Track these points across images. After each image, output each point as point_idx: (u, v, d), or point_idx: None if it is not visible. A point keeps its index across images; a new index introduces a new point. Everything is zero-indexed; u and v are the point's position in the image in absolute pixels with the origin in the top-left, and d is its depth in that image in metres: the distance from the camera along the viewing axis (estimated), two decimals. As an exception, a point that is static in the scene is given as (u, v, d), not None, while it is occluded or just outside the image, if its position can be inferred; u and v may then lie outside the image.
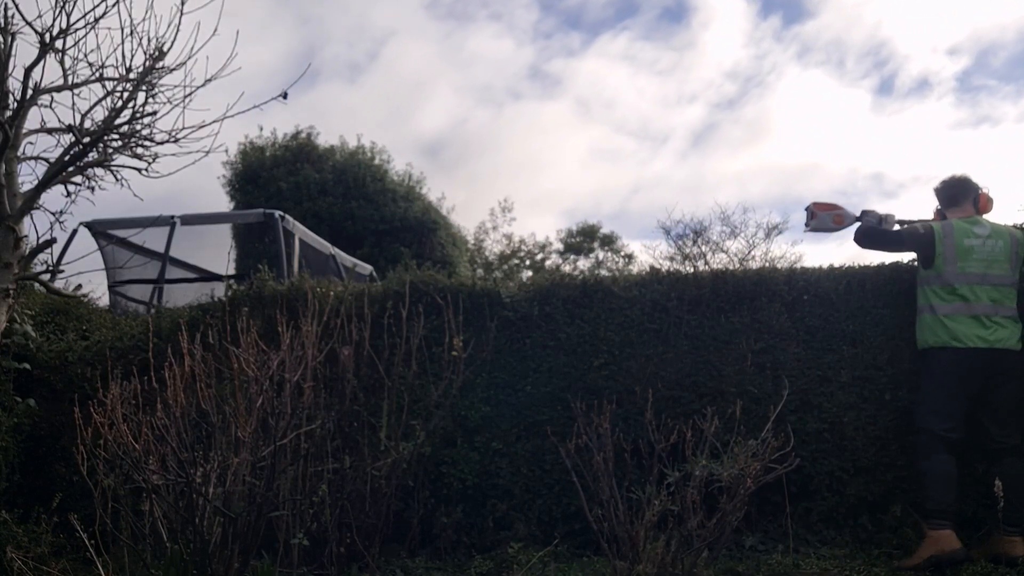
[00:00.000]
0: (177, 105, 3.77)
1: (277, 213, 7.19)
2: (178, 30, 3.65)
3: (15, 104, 3.58)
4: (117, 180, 3.94)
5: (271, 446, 3.10)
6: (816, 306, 4.19)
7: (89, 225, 7.01)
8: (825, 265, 4.36)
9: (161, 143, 3.82)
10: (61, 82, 3.68)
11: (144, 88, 3.73)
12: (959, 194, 4.06)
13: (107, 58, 3.70)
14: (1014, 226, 4.09)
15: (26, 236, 3.67)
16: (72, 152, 3.68)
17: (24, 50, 6.49)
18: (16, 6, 3.53)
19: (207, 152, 3.84)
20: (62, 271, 4.17)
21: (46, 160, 3.80)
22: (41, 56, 3.56)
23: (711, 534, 3.13)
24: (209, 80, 3.77)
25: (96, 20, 3.61)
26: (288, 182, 14.00)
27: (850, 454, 4.03)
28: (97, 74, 3.72)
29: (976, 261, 3.83)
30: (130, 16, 3.62)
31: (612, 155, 38.27)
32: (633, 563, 3.13)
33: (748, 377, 4.10)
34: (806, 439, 3.95)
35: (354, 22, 38.65)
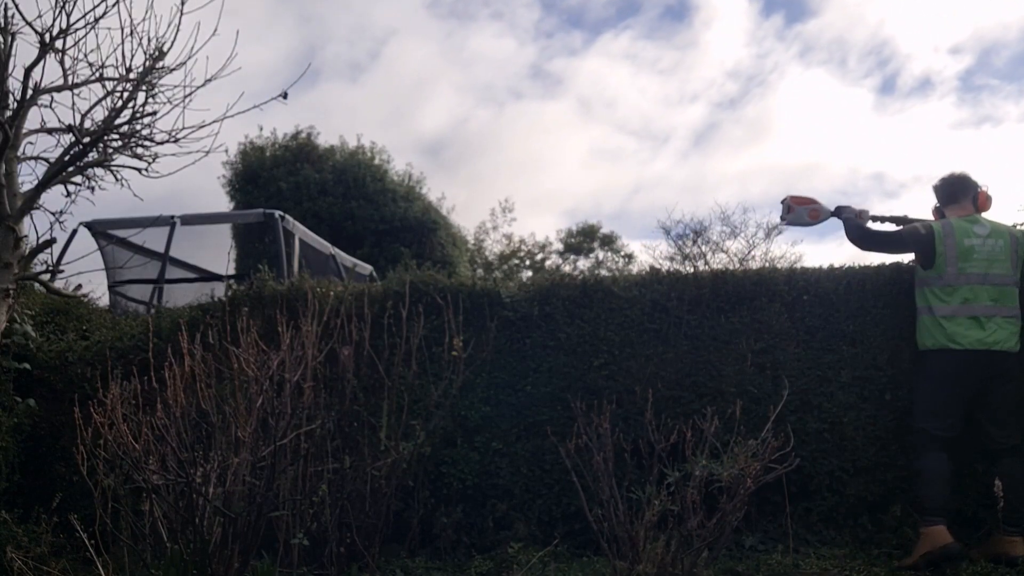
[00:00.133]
0: (177, 105, 3.77)
1: (277, 213, 7.19)
2: (178, 30, 3.66)
3: (15, 104, 3.58)
4: (117, 180, 3.95)
5: (271, 446, 3.10)
6: (816, 306, 4.18)
7: (89, 225, 7.01)
8: (825, 265, 4.36)
9: (161, 143, 3.82)
10: (61, 82, 3.68)
11: (144, 88, 3.73)
12: (959, 191, 4.04)
13: (107, 58, 3.71)
14: (1014, 226, 4.09)
15: (26, 236, 3.67)
16: (72, 152, 3.68)
17: (24, 50, 6.49)
18: (16, 6, 3.53)
19: (207, 152, 3.84)
20: (62, 271, 4.17)
21: (46, 160, 3.80)
22: (41, 56, 3.56)
23: (711, 534, 3.13)
24: (209, 80, 3.77)
25: (96, 20, 3.62)
26: (288, 182, 14.01)
27: (850, 454, 4.03)
28: (97, 74, 3.72)
29: (977, 261, 3.82)
30: (130, 16, 3.63)
31: (613, 155, 38.29)
32: (633, 563, 3.13)
33: (748, 377, 4.10)
34: (806, 439, 3.95)
35: (355, 21, 38.67)
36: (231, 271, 7.77)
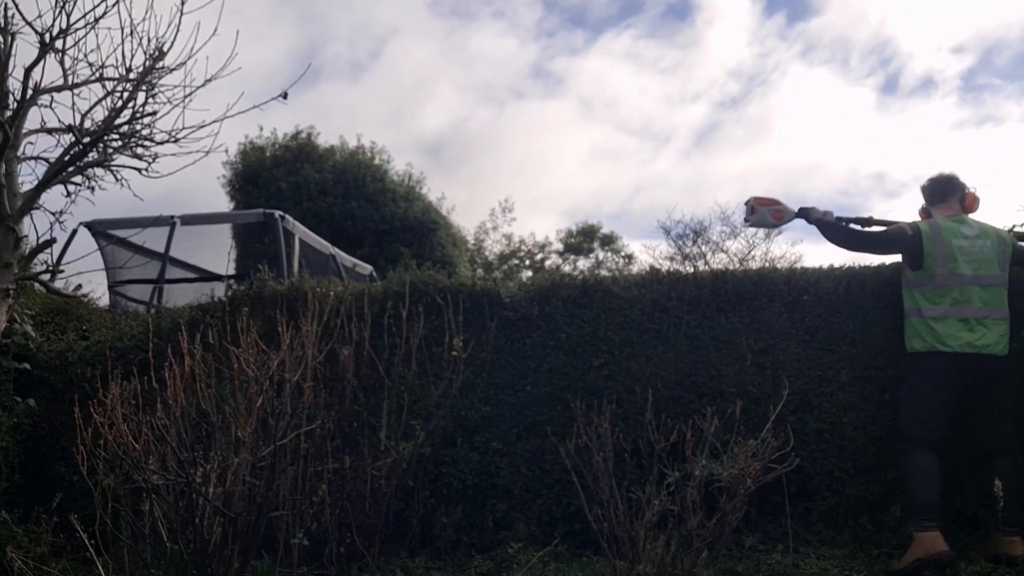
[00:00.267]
0: (177, 105, 3.78)
1: (277, 213, 7.19)
2: (178, 30, 3.66)
3: (15, 104, 3.58)
4: (117, 180, 3.95)
5: (271, 446, 3.10)
6: (816, 306, 4.18)
7: (89, 225, 7.01)
8: (825, 265, 4.36)
9: (161, 143, 3.82)
10: (61, 82, 3.68)
11: (144, 88, 3.74)
12: (946, 191, 4.01)
13: (107, 58, 3.71)
14: (1013, 228, 4.09)
15: (26, 236, 3.67)
16: (72, 152, 3.68)
17: (24, 50, 6.49)
18: (16, 6, 3.53)
19: (207, 152, 3.85)
20: (62, 271, 4.17)
21: (46, 160, 3.80)
22: (41, 56, 3.56)
23: (711, 534, 3.13)
24: (209, 80, 3.78)
25: (96, 20, 3.62)
26: (288, 182, 14.01)
27: (850, 454, 4.03)
28: (97, 74, 3.72)
29: (966, 262, 3.77)
30: (130, 16, 3.63)
31: (614, 154, 38.31)
32: (633, 563, 3.13)
33: (748, 377, 4.10)
34: (806, 439, 3.95)
35: (356, 20, 38.68)
36: (231, 271, 7.77)
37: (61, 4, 3.54)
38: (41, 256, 3.82)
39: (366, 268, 9.12)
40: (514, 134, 38.44)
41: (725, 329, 4.18)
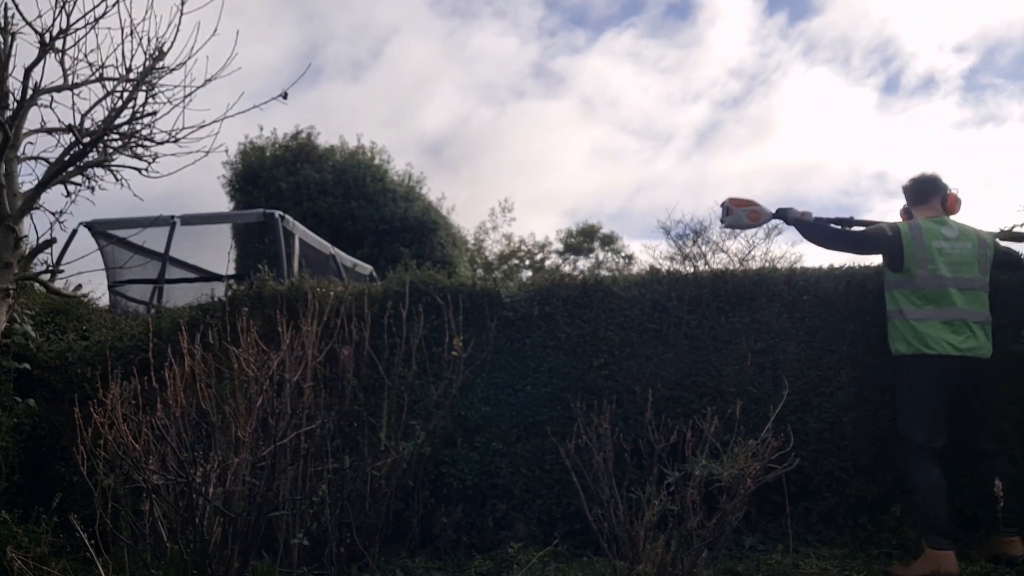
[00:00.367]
0: (177, 105, 3.77)
1: (277, 213, 7.19)
2: (178, 30, 3.66)
3: (15, 104, 3.58)
4: (117, 180, 3.95)
5: (271, 446, 3.10)
6: (816, 306, 4.18)
7: (89, 225, 7.01)
8: (825, 265, 4.36)
9: (161, 143, 3.82)
10: (61, 82, 3.68)
11: (144, 88, 3.73)
12: (928, 192, 3.97)
13: (107, 58, 3.71)
14: (1013, 228, 4.08)
15: (26, 236, 3.67)
16: (72, 152, 3.68)
17: (24, 50, 6.50)
18: (16, 6, 3.53)
19: (207, 152, 3.84)
20: (62, 271, 4.17)
21: (46, 160, 3.80)
22: (41, 56, 3.56)
23: (711, 534, 3.13)
24: (209, 80, 3.77)
25: (96, 20, 3.62)
26: (288, 182, 14.01)
27: (850, 454, 4.03)
28: (97, 74, 3.72)
29: (946, 264, 3.74)
30: (130, 16, 3.63)
31: (615, 154, 38.34)
32: (633, 563, 3.13)
33: (748, 377, 4.10)
34: (806, 439, 3.95)
35: (357, 19, 38.71)
36: (231, 271, 7.77)
37: (61, 4, 3.54)
38: (41, 256, 3.83)
39: (366, 268, 9.13)
40: (515, 134, 38.49)
41: (725, 329, 4.18)
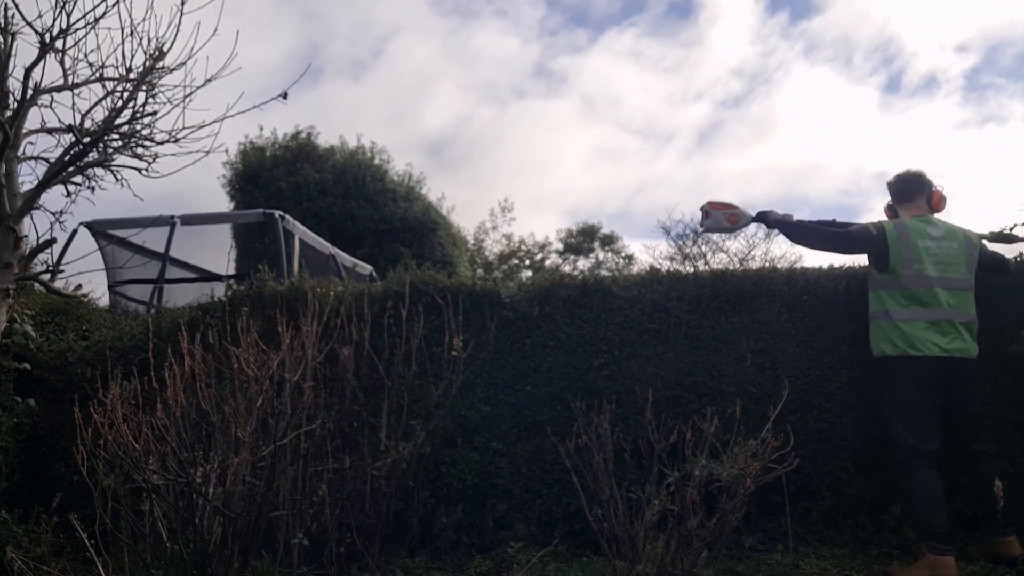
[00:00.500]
0: (177, 105, 3.77)
1: (277, 213, 7.19)
2: (178, 30, 3.66)
3: (15, 104, 3.58)
4: (117, 180, 3.95)
5: (271, 446, 3.10)
6: (816, 306, 4.19)
7: (89, 225, 7.01)
8: (825, 265, 4.36)
9: (161, 143, 3.82)
10: (61, 82, 3.68)
11: (144, 88, 3.74)
12: (914, 189, 3.94)
13: (107, 58, 3.71)
14: (1013, 227, 4.09)
15: (26, 236, 3.67)
16: (72, 152, 3.68)
17: (24, 50, 6.50)
18: (16, 6, 3.53)
19: (207, 152, 3.84)
20: (62, 271, 4.16)
21: (46, 160, 3.80)
22: (41, 56, 3.56)
23: (711, 534, 3.13)
24: (209, 80, 3.77)
25: (96, 20, 3.62)
26: (288, 182, 14.02)
27: (850, 454, 4.03)
28: (97, 74, 3.72)
29: (932, 264, 3.70)
30: (130, 16, 3.63)
31: (616, 154, 38.37)
32: (633, 563, 3.13)
33: (748, 377, 4.10)
34: (806, 439, 3.95)
35: (358, 18, 38.74)
36: (231, 271, 7.78)
37: (61, 4, 3.54)
38: (41, 256, 3.83)
39: (366, 268, 9.13)
40: (516, 133, 38.54)
41: (725, 329, 4.18)
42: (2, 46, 3.58)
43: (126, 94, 3.71)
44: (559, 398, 4.09)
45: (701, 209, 4.17)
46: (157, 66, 3.73)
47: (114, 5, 3.60)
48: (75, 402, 3.44)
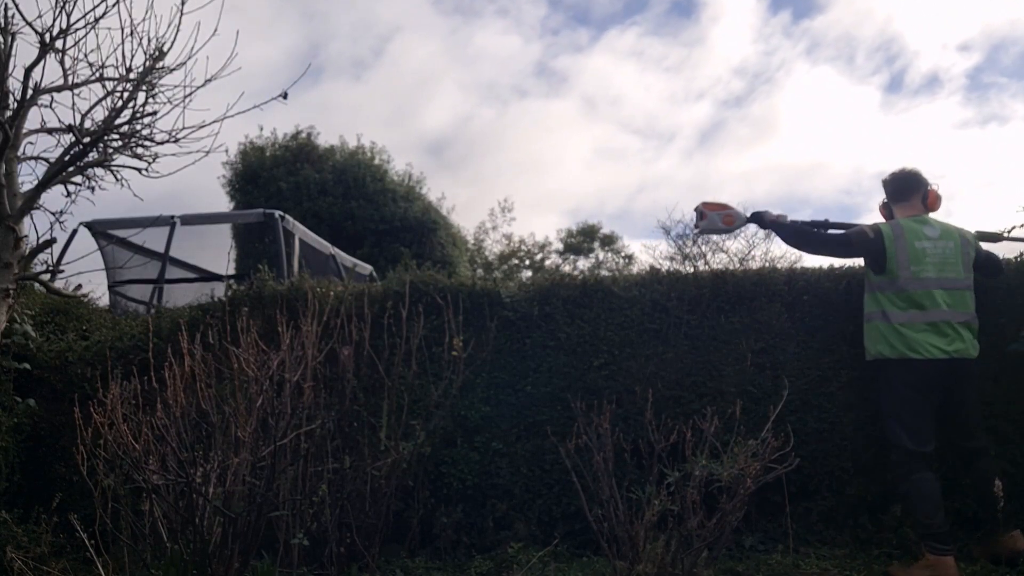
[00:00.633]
0: (177, 105, 3.78)
1: (277, 213, 7.19)
2: (178, 30, 3.66)
3: (15, 104, 3.58)
4: (117, 180, 3.95)
5: (271, 446, 3.10)
6: (816, 306, 4.19)
7: (89, 225, 7.01)
8: (825, 266, 4.35)
9: (161, 143, 3.82)
10: (61, 82, 3.68)
11: (144, 88, 3.74)
12: (909, 188, 3.92)
13: (107, 58, 3.71)
14: (1013, 228, 4.09)
15: (26, 236, 3.67)
16: (72, 152, 3.68)
17: (24, 50, 6.50)
18: (16, 6, 3.53)
19: (207, 152, 3.85)
20: (62, 271, 4.16)
21: (46, 160, 3.80)
22: (41, 56, 3.56)
23: (711, 534, 3.13)
24: (209, 80, 3.78)
25: (96, 20, 3.62)
26: (288, 182, 14.02)
27: (850, 454, 4.03)
28: (97, 74, 3.72)
29: (930, 264, 3.68)
30: (130, 16, 3.63)
31: (617, 154, 38.38)
32: (633, 563, 3.13)
33: (748, 377, 4.10)
34: (806, 439, 3.95)
35: (359, 18, 38.73)
36: (231, 271, 7.78)
37: (61, 4, 3.54)
38: (41, 256, 3.83)
39: (366, 268, 9.13)
40: (516, 133, 38.54)
41: (725, 329, 4.18)
42: (2, 46, 3.58)
43: (126, 94, 3.71)
44: (559, 398, 4.09)
45: (696, 210, 4.16)
46: (157, 66, 3.73)
47: (114, 5, 3.60)
48: (75, 402, 3.45)
